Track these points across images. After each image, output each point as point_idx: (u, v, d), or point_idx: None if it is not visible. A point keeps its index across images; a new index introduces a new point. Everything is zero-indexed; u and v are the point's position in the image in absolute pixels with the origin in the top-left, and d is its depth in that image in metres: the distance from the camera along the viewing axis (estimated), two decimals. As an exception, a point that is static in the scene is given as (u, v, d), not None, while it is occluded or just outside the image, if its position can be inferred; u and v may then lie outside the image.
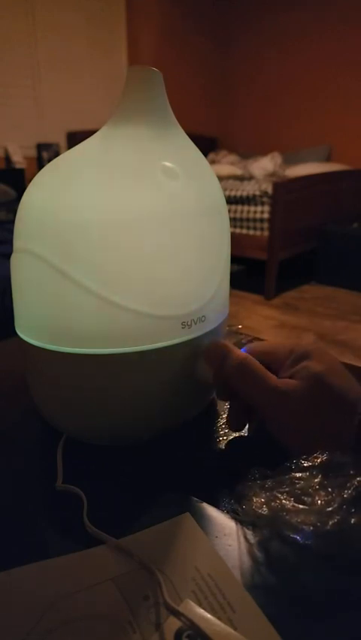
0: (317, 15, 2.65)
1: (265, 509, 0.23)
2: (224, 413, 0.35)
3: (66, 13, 2.41)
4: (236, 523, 0.24)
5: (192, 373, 0.29)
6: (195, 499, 0.25)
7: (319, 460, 0.24)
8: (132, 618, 0.19)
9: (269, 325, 1.75)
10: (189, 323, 0.28)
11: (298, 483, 0.23)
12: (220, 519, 0.24)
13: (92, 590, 0.20)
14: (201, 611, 0.19)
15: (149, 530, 0.23)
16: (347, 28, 2.55)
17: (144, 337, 0.26)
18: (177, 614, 0.19)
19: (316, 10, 2.64)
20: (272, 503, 0.23)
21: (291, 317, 1.84)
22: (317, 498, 0.22)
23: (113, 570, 0.21)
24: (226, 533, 0.23)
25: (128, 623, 0.19)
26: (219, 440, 0.31)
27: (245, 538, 0.23)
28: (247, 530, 0.23)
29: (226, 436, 0.32)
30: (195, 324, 0.28)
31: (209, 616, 0.18)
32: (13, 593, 0.20)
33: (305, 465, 0.24)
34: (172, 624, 0.18)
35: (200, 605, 0.19)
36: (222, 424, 0.33)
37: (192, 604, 0.19)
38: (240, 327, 0.50)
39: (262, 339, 0.47)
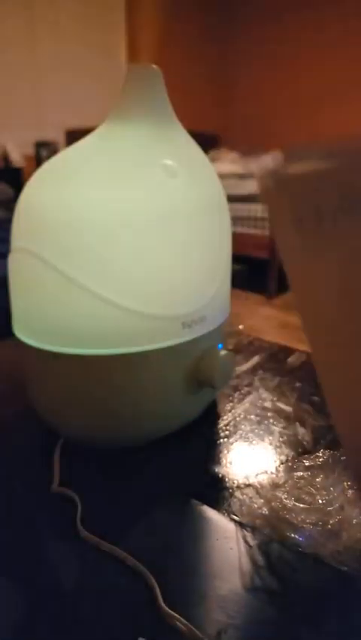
0: (318, 13, 2.63)
1: (265, 510, 0.23)
2: (225, 415, 0.34)
3: (65, 11, 2.40)
4: (236, 526, 0.23)
5: (192, 373, 0.29)
6: (195, 501, 0.25)
7: (321, 460, 0.24)
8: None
9: (271, 325, 1.74)
10: (189, 323, 0.27)
11: (299, 482, 0.23)
12: (221, 522, 0.24)
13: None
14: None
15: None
16: (347, 26, 2.53)
17: (144, 337, 0.26)
18: (173, 619, 0.18)
19: (317, 9, 2.63)
20: (273, 503, 0.23)
21: (293, 317, 1.83)
22: (318, 497, 0.22)
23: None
24: (227, 536, 0.23)
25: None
26: (221, 442, 0.31)
27: (245, 540, 0.23)
28: (247, 533, 0.23)
29: (226, 437, 0.31)
30: (196, 324, 0.28)
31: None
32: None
33: (307, 464, 0.24)
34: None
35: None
36: (223, 425, 0.33)
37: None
38: (241, 327, 0.50)
39: (262, 340, 0.47)
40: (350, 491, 0.23)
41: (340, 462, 0.25)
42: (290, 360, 0.43)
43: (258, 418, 0.34)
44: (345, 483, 0.23)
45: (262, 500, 0.24)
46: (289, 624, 0.19)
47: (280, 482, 0.24)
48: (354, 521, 0.21)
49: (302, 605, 0.20)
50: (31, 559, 0.22)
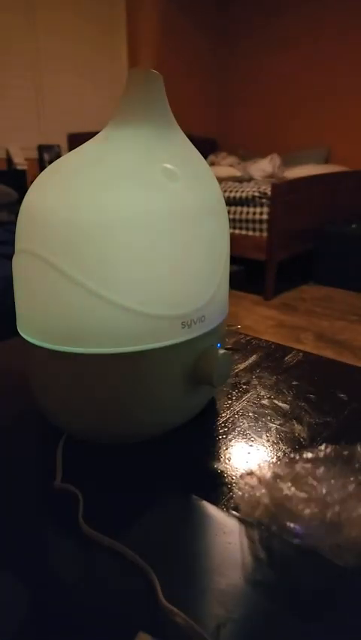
0: (316, 17, 2.66)
1: (264, 503, 0.23)
2: (223, 412, 0.35)
3: (67, 15, 2.41)
4: (235, 521, 0.24)
5: (192, 373, 0.29)
6: (195, 497, 0.26)
7: (322, 454, 0.24)
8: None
9: (268, 325, 1.75)
10: (189, 323, 0.28)
11: (300, 474, 0.23)
12: (220, 517, 0.24)
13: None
14: None
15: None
16: (347, 29, 2.56)
17: (144, 337, 0.27)
18: (172, 613, 0.19)
19: (315, 12, 2.65)
20: (272, 496, 0.23)
21: (290, 317, 1.84)
22: (317, 488, 0.23)
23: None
24: (226, 531, 0.23)
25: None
26: (219, 439, 0.31)
27: (244, 536, 0.23)
28: (246, 528, 0.23)
29: (225, 434, 0.32)
30: (195, 324, 0.28)
31: None
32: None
33: (309, 457, 0.24)
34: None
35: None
36: (222, 422, 0.33)
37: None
38: (239, 327, 0.50)
39: (260, 339, 0.47)
40: (351, 486, 0.23)
41: (342, 456, 0.25)
42: (287, 359, 0.43)
43: (256, 415, 0.34)
44: (348, 478, 0.24)
45: (260, 495, 0.24)
46: (287, 619, 0.19)
47: (282, 473, 0.25)
48: (354, 514, 0.22)
49: (301, 600, 0.20)
50: (34, 554, 0.22)
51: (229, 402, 0.36)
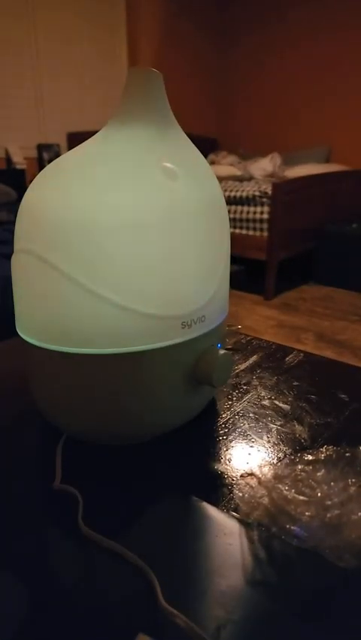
0: (316, 17, 2.65)
1: (264, 504, 0.23)
2: (224, 413, 0.35)
3: (66, 14, 2.41)
4: (236, 522, 0.24)
5: (192, 373, 0.29)
6: (195, 498, 0.26)
7: (323, 455, 0.24)
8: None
9: (268, 325, 1.75)
10: (189, 323, 0.28)
11: (300, 476, 0.23)
12: (220, 518, 0.24)
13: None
14: None
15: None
16: (347, 29, 2.56)
17: (144, 337, 0.26)
18: (172, 615, 0.19)
19: (315, 12, 2.65)
20: (272, 496, 0.23)
21: (290, 317, 1.84)
22: (317, 491, 0.22)
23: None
24: (226, 532, 0.23)
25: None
26: (220, 440, 0.31)
27: (245, 537, 0.23)
28: (246, 529, 0.23)
29: (225, 435, 0.32)
30: (195, 324, 0.28)
31: None
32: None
33: (310, 459, 0.24)
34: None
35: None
36: (222, 423, 0.33)
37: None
38: (239, 327, 0.50)
39: (261, 339, 0.47)
40: (352, 488, 0.23)
41: (343, 458, 0.25)
42: (288, 359, 0.43)
43: (256, 416, 0.34)
44: (350, 480, 0.24)
45: (260, 495, 0.24)
46: (287, 620, 0.19)
47: (282, 475, 0.25)
48: (354, 517, 0.22)
49: (301, 601, 0.20)
50: (33, 554, 0.22)
51: (230, 402, 0.36)
